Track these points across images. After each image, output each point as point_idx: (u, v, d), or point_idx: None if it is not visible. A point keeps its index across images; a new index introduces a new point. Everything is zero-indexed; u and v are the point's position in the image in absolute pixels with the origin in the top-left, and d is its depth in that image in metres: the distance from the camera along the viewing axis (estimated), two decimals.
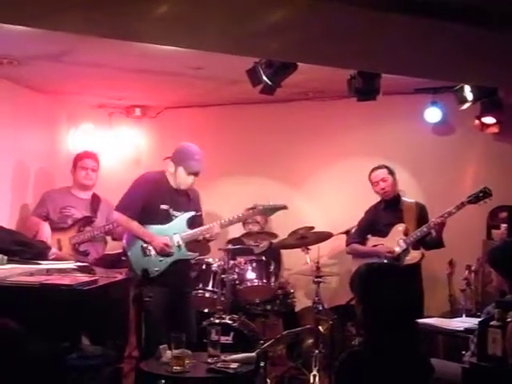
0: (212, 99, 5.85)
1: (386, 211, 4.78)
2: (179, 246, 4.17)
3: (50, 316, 2.97)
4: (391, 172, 4.78)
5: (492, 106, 4.93)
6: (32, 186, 5.31)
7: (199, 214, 4.34)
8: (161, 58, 4.12)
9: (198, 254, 4.40)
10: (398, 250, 4.57)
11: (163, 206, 4.17)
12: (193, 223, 4.27)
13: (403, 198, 4.80)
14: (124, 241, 4.27)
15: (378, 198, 4.87)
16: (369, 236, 4.83)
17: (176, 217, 4.20)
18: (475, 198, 4.42)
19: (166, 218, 4.18)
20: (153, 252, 4.13)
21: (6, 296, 3.00)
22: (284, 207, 4.44)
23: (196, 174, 4.21)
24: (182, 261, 4.23)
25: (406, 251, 4.57)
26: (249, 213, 4.56)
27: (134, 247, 4.16)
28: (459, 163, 5.40)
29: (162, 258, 4.12)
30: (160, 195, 4.17)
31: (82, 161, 4.97)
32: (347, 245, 4.96)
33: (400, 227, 4.65)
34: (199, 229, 4.24)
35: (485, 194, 4.41)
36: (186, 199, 4.28)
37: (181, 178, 4.20)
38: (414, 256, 4.57)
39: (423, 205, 4.77)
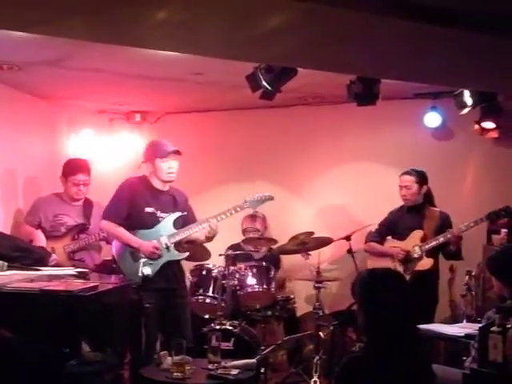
0: (212, 104, 5.85)
1: (409, 215, 4.75)
2: (168, 248, 4.14)
3: (51, 322, 2.96)
4: (420, 180, 4.71)
5: (492, 111, 4.92)
6: (31, 192, 5.25)
7: (186, 214, 4.27)
8: (161, 63, 4.12)
9: (188, 253, 4.32)
10: (414, 254, 4.57)
11: (148, 209, 4.16)
12: (183, 224, 4.23)
13: (430, 206, 4.74)
14: (113, 249, 4.24)
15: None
16: (388, 237, 4.81)
17: (163, 218, 4.18)
18: (495, 216, 4.36)
19: (153, 221, 4.16)
20: (142, 256, 4.07)
21: (6, 302, 3.00)
22: (270, 198, 4.39)
23: (175, 154, 4.18)
24: (173, 262, 4.20)
25: (419, 257, 4.57)
26: (236, 207, 4.38)
27: (123, 254, 4.15)
28: (459, 168, 5.39)
29: (151, 262, 4.06)
30: (144, 198, 4.17)
31: (74, 176, 4.81)
32: (366, 242, 4.92)
33: (418, 233, 4.63)
34: (186, 228, 4.19)
35: (507, 213, 4.33)
36: (171, 200, 4.26)
37: (163, 169, 4.17)
38: (425, 263, 4.55)
39: (447, 215, 4.70)
